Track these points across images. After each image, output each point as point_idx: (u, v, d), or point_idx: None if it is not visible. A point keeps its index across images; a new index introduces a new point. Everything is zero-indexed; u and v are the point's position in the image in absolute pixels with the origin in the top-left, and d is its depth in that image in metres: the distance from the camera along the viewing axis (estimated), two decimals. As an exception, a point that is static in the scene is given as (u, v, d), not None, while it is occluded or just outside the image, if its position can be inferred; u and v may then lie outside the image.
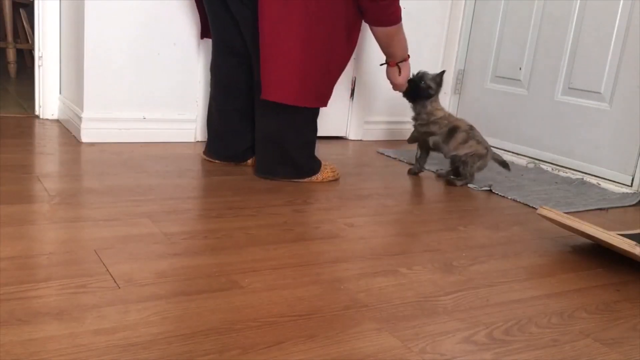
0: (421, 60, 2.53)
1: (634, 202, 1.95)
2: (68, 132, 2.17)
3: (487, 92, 2.61)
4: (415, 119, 2.02)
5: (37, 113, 2.38)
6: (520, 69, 2.45)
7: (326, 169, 1.86)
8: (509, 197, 1.87)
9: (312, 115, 1.79)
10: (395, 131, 2.73)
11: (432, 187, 1.96)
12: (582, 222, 1.38)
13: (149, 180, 1.67)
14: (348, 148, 2.45)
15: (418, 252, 1.33)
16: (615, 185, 2.10)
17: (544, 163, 2.35)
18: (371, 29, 1.79)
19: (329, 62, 1.71)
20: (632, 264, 1.37)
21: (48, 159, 1.79)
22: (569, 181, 2.16)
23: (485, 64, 2.61)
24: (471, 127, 1.97)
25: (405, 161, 2.25)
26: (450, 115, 2.01)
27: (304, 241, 1.33)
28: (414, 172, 2.07)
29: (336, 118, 2.55)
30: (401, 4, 1.73)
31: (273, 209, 1.53)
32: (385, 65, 1.93)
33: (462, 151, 1.94)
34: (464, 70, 2.71)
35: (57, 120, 2.36)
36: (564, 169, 2.27)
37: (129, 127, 2.10)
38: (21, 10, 3.71)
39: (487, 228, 1.56)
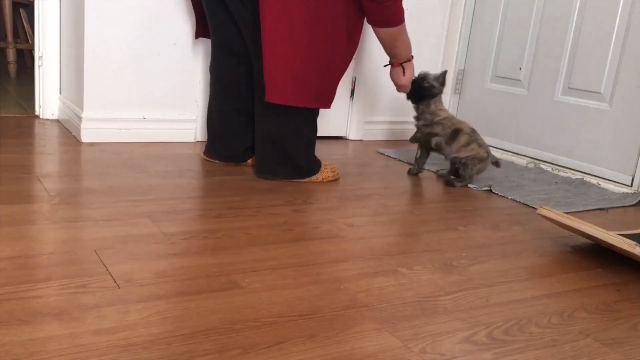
0: (421, 60, 2.52)
1: (634, 202, 1.95)
2: (68, 132, 2.17)
3: (487, 92, 2.61)
4: (417, 118, 2.02)
5: (37, 113, 2.38)
6: (520, 69, 2.45)
7: (326, 169, 1.86)
8: (509, 197, 1.87)
9: (312, 115, 1.79)
10: (396, 131, 2.73)
11: (432, 187, 1.96)
12: (582, 222, 1.38)
13: (149, 180, 1.67)
14: (348, 148, 2.45)
15: (418, 252, 1.33)
16: (615, 185, 2.10)
17: (544, 163, 2.35)
18: (374, 30, 1.78)
19: (330, 63, 1.70)
20: (632, 264, 1.37)
21: (48, 159, 1.79)
22: (569, 181, 2.16)
23: (485, 64, 2.61)
24: (473, 131, 1.97)
25: (405, 161, 2.25)
26: (453, 117, 2.00)
27: (304, 241, 1.33)
28: (414, 173, 2.07)
29: (336, 118, 2.55)
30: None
31: (273, 209, 1.53)
32: (389, 66, 1.93)
33: (464, 154, 1.94)
34: (464, 70, 2.71)
35: (57, 120, 2.36)
36: (564, 169, 2.27)
37: (129, 127, 2.10)
38: (21, 10, 3.71)
39: (487, 228, 1.56)
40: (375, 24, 1.75)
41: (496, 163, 2.02)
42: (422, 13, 2.60)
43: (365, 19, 1.75)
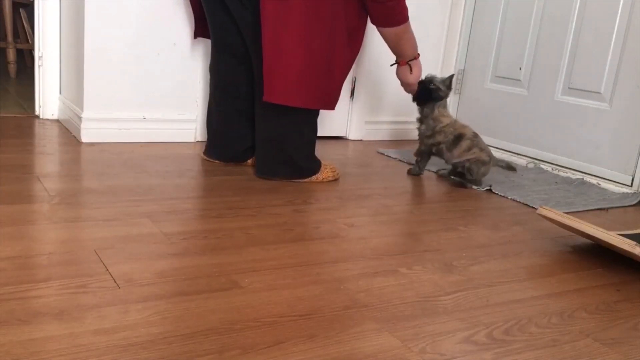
0: (421, 60, 2.52)
1: (634, 202, 1.95)
2: (68, 132, 2.17)
3: (487, 92, 2.61)
4: (420, 121, 2.01)
5: (37, 113, 2.38)
6: (520, 69, 2.45)
7: (326, 169, 1.86)
8: (509, 197, 1.87)
9: (312, 115, 1.79)
10: (396, 131, 2.73)
11: (432, 187, 1.96)
12: (582, 222, 1.38)
13: (149, 180, 1.67)
14: (348, 148, 2.45)
15: (418, 252, 1.33)
16: (615, 185, 2.10)
17: (544, 163, 2.35)
18: (378, 30, 1.78)
19: (331, 63, 1.70)
20: (632, 264, 1.37)
21: (48, 159, 1.79)
22: (569, 181, 2.16)
23: (485, 64, 2.61)
24: (475, 135, 1.97)
25: (405, 161, 2.25)
26: (455, 121, 2.00)
27: (304, 241, 1.33)
28: (414, 174, 2.07)
29: (336, 118, 2.55)
30: (401, 4, 1.73)
31: (273, 209, 1.53)
32: (395, 66, 1.92)
33: (465, 158, 1.94)
34: (464, 70, 2.71)
35: (57, 120, 2.36)
36: (564, 169, 2.27)
37: (129, 127, 2.10)
38: (21, 10, 3.71)
39: (487, 228, 1.56)
40: (379, 24, 1.74)
41: (511, 167, 2.04)
42: (422, 13, 2.60)
43: (368, 19, 1.75)
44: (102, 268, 1.08)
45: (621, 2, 2.09)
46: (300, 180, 1.82)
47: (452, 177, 2.02)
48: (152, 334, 0.88)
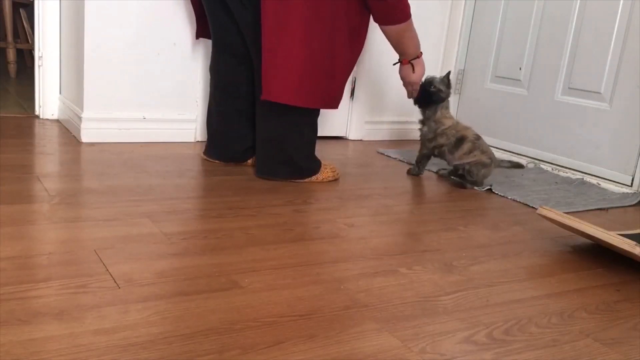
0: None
1: (634, 202, 1.95)
2: (68, 132, 2.17)
3: (487, 92, 2.61)
4: (422, 122, 2.01)
5: (37, 113, 2.38)
6: (520, 69, 2.45)
7: (326, 169, 1.86)
8: (509, 197, 1.87)
9: (313, 115, 1.79)
10: (396, 131, 2.73)
11: (432, 187, 1.96)
12: (582, 222, 1.38)
13: (149, 180, 1.67)
14: (348, 148, 2.45)
15: (418, 252, 1.33)
16: (615, 185, 2.10)
17: (544, 163, 2.35)
18: (381, 28, 1.77)
19: (332, 62, 1.69)
20: (632, 264, 1.37)
21: (48, 159, 1.79)
22: (569, 181, 2.16)
23: (485, 64, 2.61)
24: (477, 137, 1.96)
25: (405, 161, 2.25)
26: (458, 123, 2.00)
27: (304, 241, 1.33)
28: (413, 174, 2.07)
29: (336, 118, 2.55)
30: (401, 4, 1.73)
31: (273, 209, 1.53)
32: (398, 65, 1.91)
33: (466, 160, 1.94)
34: (464, 70, 2.71)
35: (57, 120, 2.36)
36: (564, 169, 2.27)
37: (129, 127, 2.10)
38: (21, 10, 3.71)
39: (487, 228, 1.56)
40: (381, 22, 1.74)
41: (518, 165, 2.06)
42: (422, 13, 2.60)
43: (370, 17, 1.75)
44: (102, 268, 1.08)
45: (621, 2, 2.09)
46: (300, 181, 1.82)
47: (452, 177, 2.02)
48: (152, 334, 0.88)
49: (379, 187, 1.86)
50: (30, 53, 3.90)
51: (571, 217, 1.42)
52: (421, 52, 1.88)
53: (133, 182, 1.64)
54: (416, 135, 2.09)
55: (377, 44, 2.45)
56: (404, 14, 1.72)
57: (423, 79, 1.95)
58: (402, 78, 1.94)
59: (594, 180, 2.15)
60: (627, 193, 2.04)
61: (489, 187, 1.95)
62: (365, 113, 2.62)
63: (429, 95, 1.95)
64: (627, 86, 2.08)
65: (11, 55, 3.47)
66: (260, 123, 1.78)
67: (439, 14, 2.67)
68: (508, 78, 2.51)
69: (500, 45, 2.55)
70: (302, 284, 1.10)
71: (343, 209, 1.60)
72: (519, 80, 2.46)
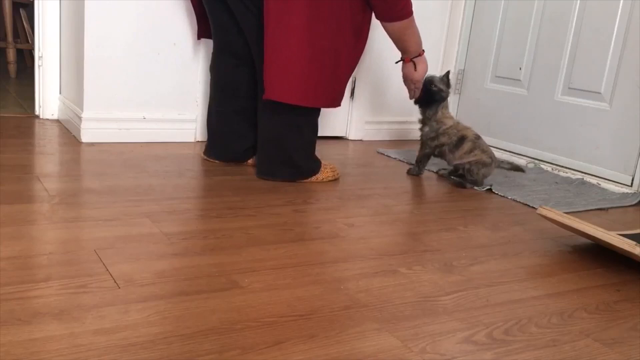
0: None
1: (634, 202, 1.95)
2: (68, 132, 2.17)
3: (487, 92, 2.61)
4: (423, 122, 2.01)
5: (37, 113, 2.38)
6: (520, 69, 2.45)
7: (326, 169, 1.86)
8: (509, 197, 1.87)
9: (314, 115, 1.79)
10: (396, 131, 2.73)
11: (432, 187, 1.96)
12: (582, 222, 1.38)
13: (149, 180, 1.67)
14: (348, 148, 2.45)
15: (418, 252, 1.33)
16: (615, 185, 2.10)
17: (544, 163, 2.35)
18: (382, 25, 1.76)
19: (336, 62, 1.69)
20: (632, 264, 1.37)
21: (48, 159, 1.79)
22: (569, 181, 2.16)
23: (485, 64, 2.61)
24: (477, 137, 1.97)
25: (405, 161, 2.25)
26: (458, 123, 2.00)
27: (304, 241, 1.33)
28: (413, 174, 2.07)
29: (336, 118, 2.55)
30: (401, 4, 1.72)
31: (273, 209, 1.53)
32: (400, 63, 1.91)
33: (467, 159, 1.94)
34: (464, 70, 2.71)
35: (57, 120, 2.36)
36: (564, 169, 2.27)
37: (129, 127, 2.10)
38: (21, 10, 3.71)
39: (487, 228, 1.56)
40: (383, 19, 1.73)
41: (518, 168, 2.06)
42: (422, 13, 2.60)
43: (372, 15, 1.74)
44: (102, 268, 1.08)
45: (621, 2, 2.09)
46: (300, 181, 1.82)
47: (452, 177, 2.02)
48: (152, 334, 0.88)
49: (379, 187, 1.86)
50: (30, 53, 3.90)
51: (571, 217, 1.42)
52: (423, 50, 1.87)
53: (133, 182, 1.64)
54: (416, 135, 2.09)
55: (378, 44, 2.45)
56: (405, 11, 1.71)
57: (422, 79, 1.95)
58: (404, 76, 1.93)
59: (594, 180, 2.15)
60: (627, 193, 2.04)
61: (489, 187, 1.95)
62: (365, 113, 2.62)
63: (431, 95, 1.95)
64: (627, 86, 2.08)
65: (11, 55, 3.47)
66: (261, 123, 1.78)
67: (439, 14, 2.67)
68: (508, 78, 2.51)
69: (500, 45, 2.55)
70: (302, 284, 1.10)
71: (343, 209, 1.60)
72: (519, 80, 2.46)
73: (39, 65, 2.33)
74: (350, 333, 0.94)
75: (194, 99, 2.20)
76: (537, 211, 1.49)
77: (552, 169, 2.30)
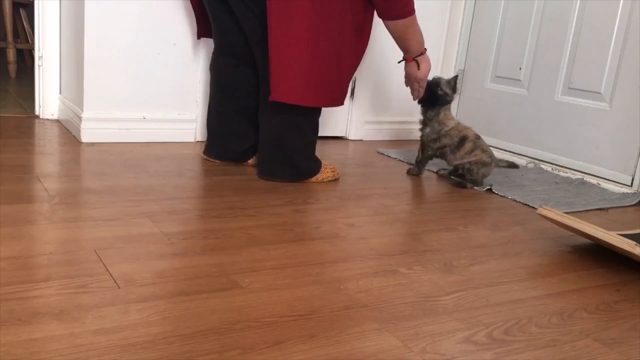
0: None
1: (634, 202, 1.95)
2: (68, 132, 2.17)
3: (487, 92, 2.61)
4: (424, 123, 2.00)
5: (37, 113, 2.38)
6: (520, 69, 2.45)
7: (326, 169, 1.86)
8: (509, 197, 1.87)
9: (314, 115, 1.79)
10: (396, 131, 2.73)
11: (432, 187, 1.96)
12: (582, 222, 1.38)
13: (149, 180, 1.67)
14: (348, 148, 2.45)
15: (418, 252, 1.33)
16: (615, 185, 2.10)
17: (544, 163, 2.35)
18: (385, 24, 1.75)
19: (338, 61, 1.69)
20: (632, 264, 1.37)
21: (48, 159, 1.79)
22: (569, 181, 2.16)
23: (485, 64, 2.61)
24: (477, 137, 1.97)
25: (405, 161, 2.25)
26: (459, 124, 1.99)
27: (304, 241, 1.33)
28: (413, 174, 2.06)
29: (336, 118, 2.55)
30: (401, 3, 1.72)
31: (273, 209, 1.53)
32: (403, 63, 1.89)
33: (467, 159, 1.94)
34: (464, 70, 2.71)
35: (57, 120, 2.36)
36: (564, 169, 2.27)
37: (129, 127, 2.10)
38: (21, 10, 3.71)
39: (487, 228, 1.56)
40: (385, 17, 1.73)
41: (513, 165, 2.07)
42: (422, 13, 2.58)
43: (374, 15, 1.74)
44: (102, 268, 1.08)
45: (621, 2, 2.09)
46: (300, 181, 1.82)
47: (452, 177, 2.02)
48: (152, 334, 0.88)
49: (379, 187, 1.86)
50: (30, 53, 3.90)
51: (571, 217, 1.42)
52: (425, 49, 1.86)
53: (133, 182, 1.64)
54: (416, 135, 2.08)
55: (378, 44, 2.45)
56: (407, 9, 1.70)
57: (430, 79, 1.94)
58: (406, 76, 1.91)
59: (594, 180, 2.15)
60: (627, 193, 2.04)
61: (489, 187, 1.95)
62: (366, 113, 2.62)
63: (435, 97, 1.94)
64: (627, 86, 2.08)
65: (11, 55, 3.47)
66: (262, 123, 1.78)
67: (439, 14, 2.67)
68: (508, 78, 2.51)
69: (500, 45, 2.55)
70: (302, 284, 1.10)
71: (343, 209, 1.60)
72: (519, 80, 2.46)
73: (39, 65, 2.33)
74: (350, 333, 0.94)
75: (194, 99, 2.20)
76: (537, 211, 1.49)
77: (552, 169, 2.30)
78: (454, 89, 1.96)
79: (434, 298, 1.10)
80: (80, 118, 2.04)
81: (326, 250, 1.28)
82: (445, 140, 1.96)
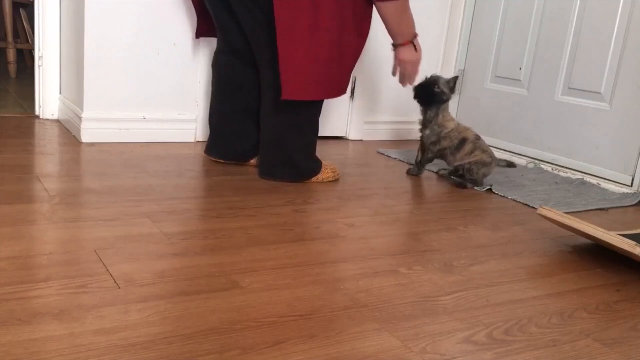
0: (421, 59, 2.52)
1: (634, 202, 1.95)
2: (68, 132, 2.17)
3: (487, 92, 2.61)
4: (423, 125, 2.00)
5: (37, 113, 2.38)
6: (520, 69, 2.45)
7: (326, 169, 1.86)
8: (509, 197, 1.87)
9: (315, 115, 1.79)
10: (396, 131, 2.73)
11: (432, 187, 1.96)
12: (582, 222, 1.38)
13: (149, 180, 1.67)
14: (348, 148, 2.45)
15: (418, 252, 1.33)
16: (615, 185, 2.10)
17: (544, 163, 2.35)
18: (380, 9, 1.71)
19: (341, 52, 1.68)
20: (632, 264, 1.37)
21: (48, 159, 1.79)
22: (569, 181, 2.16)
23: (485, 64, 2.61)
24: (477, 137, 1.97)
25: (405, 161, 2.25)
26: (458, 125, 1.99)
27: (304, 241, 1.33)
28: (413, 174, 2.06)
29: (336, 118, 2.55)
30: (401, 4, 1.72)
31: (273, 209, 1.53)
32: (395, 50, 1.85)
33: (467, 160, 1.94)
34: (464, 70, 2.71)
35: (57, 120, 2.36)
36: (564, 169, 2.27)
37: (129, 127, 2.10)
38: (21, 10, 3.71)
39: (487, 228, 1.56)
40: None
41: (511, 164, 2.09)
42: (422, 13, 2.60)
43: (372, 11, 1.73)
44: (102, 268, 1.08)
45: (621, 2, 2.09)
46: (300, 181, 1.82)
47: (452, 177, 2.02)
48: (152, 334, 0.88)
49: (379, 187, 1.87)
50: (30, 53, 3.90)
51: (571, 217, 1.42)
52: (416, 33, 1.83)
53: (133, 182, 1.64)
54: (416, 135, 2.08)
55: (377, 44, 2.45)
56: None
57: (428, 77, 1.94)
58: (401, 61, 1.86)
59: (594, 180, 2.15)
60: (627, 193, 2.04)
61: (489, 187, 1.95)
62: (365, 113, 2.62)
63: (432, 95, 1.94)
64: (627, 86, 2.08)
65: (11, 55, 3.47)
66: (262, 123, 1.78)
67: (439, 14, 2.67)
68: (508, 78, 2.51)
69: (500, 45, 2.55)
70: (302, 284, 1.10)
71: (343, 209, 1.60)
72: (519, 80, 2.46)
73: (39, 65, 2.33)
74: (350, 333, 0.94)
75: (194, 99, 2.20)
76: (537, 211, 1.49)
77: (552, 169, 2.30)
78: (452, 90, 1.96)
79: (434, 298, 1.10)
80: (80, 118, 2.04)
81: (326, 250, 1.29)
82: (445, 143, 1.96)
